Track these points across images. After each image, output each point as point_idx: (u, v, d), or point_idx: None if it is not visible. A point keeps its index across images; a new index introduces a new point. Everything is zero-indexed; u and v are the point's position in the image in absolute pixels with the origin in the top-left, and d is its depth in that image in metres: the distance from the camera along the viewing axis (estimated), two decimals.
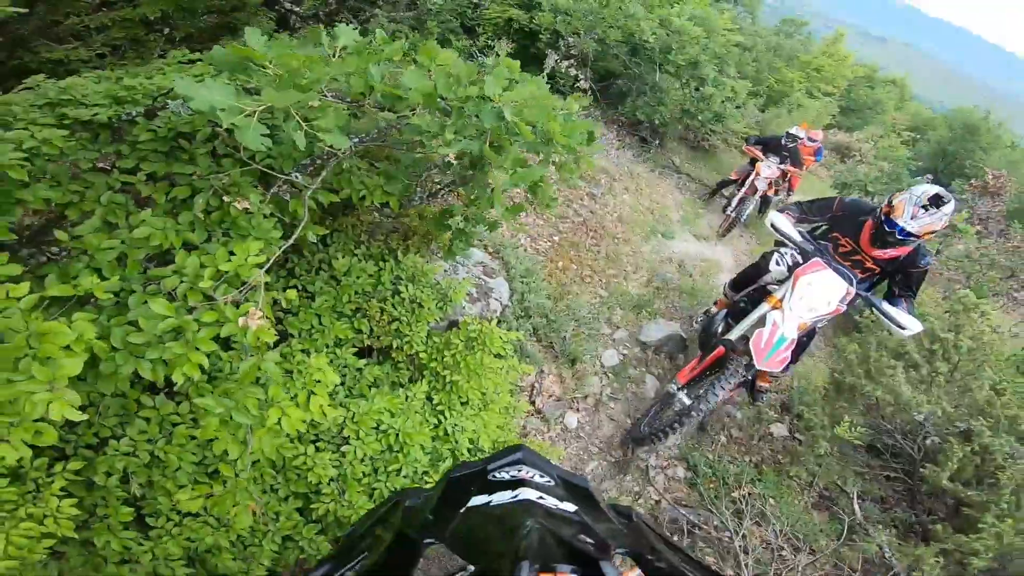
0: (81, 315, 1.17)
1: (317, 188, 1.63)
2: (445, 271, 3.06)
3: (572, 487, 0.60)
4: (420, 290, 2.36)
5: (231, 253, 1.42)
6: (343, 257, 2.26)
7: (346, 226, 2.39)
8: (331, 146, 1.32)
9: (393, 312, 2.30)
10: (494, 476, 0.58)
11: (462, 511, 0.51)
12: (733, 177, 6.35)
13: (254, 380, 1.37)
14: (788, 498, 3.16)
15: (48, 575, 1.49)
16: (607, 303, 4.21)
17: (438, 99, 1.56)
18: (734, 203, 5.91)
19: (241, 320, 1.29)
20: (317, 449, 1.99)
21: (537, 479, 0.58)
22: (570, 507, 0.53)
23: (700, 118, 6.91)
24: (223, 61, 1.30)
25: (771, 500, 3.12)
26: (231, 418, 1.33)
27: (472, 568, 0.51)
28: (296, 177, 1.61)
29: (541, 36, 6.63)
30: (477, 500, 0.52)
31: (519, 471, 0.58)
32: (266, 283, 1.40)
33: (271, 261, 1.46)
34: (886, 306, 2.55)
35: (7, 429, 1.03)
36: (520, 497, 0.53)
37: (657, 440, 2.90)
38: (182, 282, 1.35)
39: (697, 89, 6.78)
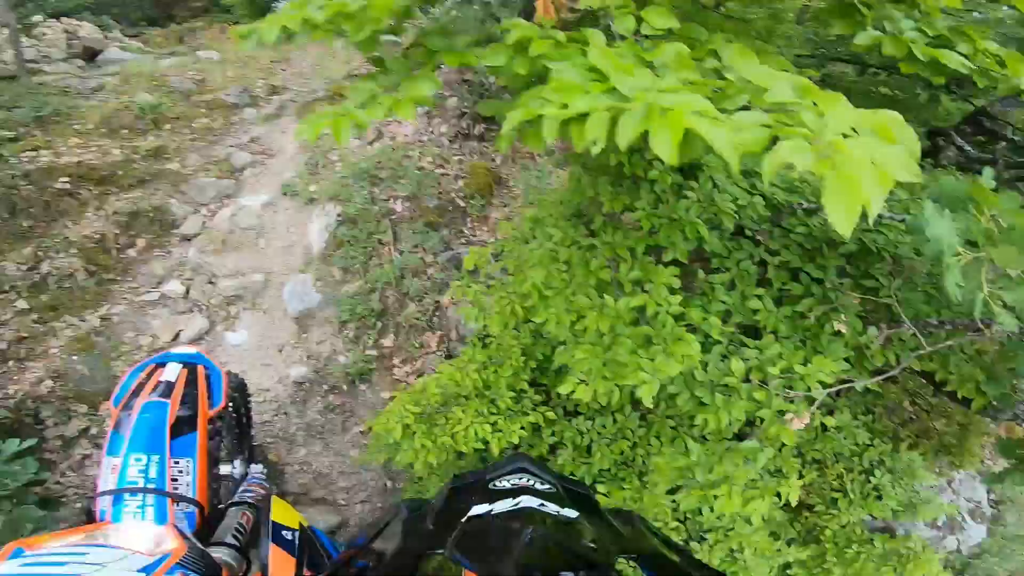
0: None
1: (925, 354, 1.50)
2: None
3: (573, 494, 0.59)
4: None
5: (806, 361, 1.51)
6: None
7: None
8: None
9: None
10: (495, 485, 0.58)
11: (464, 520, 0.51)
12: None
13: None
14: None
15: None
16: None
17: None
18: None
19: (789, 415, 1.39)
20: None
21: (538, 486, 0.58)
22: (572, 513, 0.53)
23: None
24: (949, 193, 1.28)
25: None
26: None
27: None
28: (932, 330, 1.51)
29: None
30: (478, 509, 0.52)
31: (520, 479, 0.58)
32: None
33: (835, 389, 1.47)
34: None
35: None
36: (521, 505, 0.53)
37: None
38: (757, 359, 1.54)
39: None
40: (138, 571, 0.76)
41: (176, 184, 3.65)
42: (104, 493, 1.28)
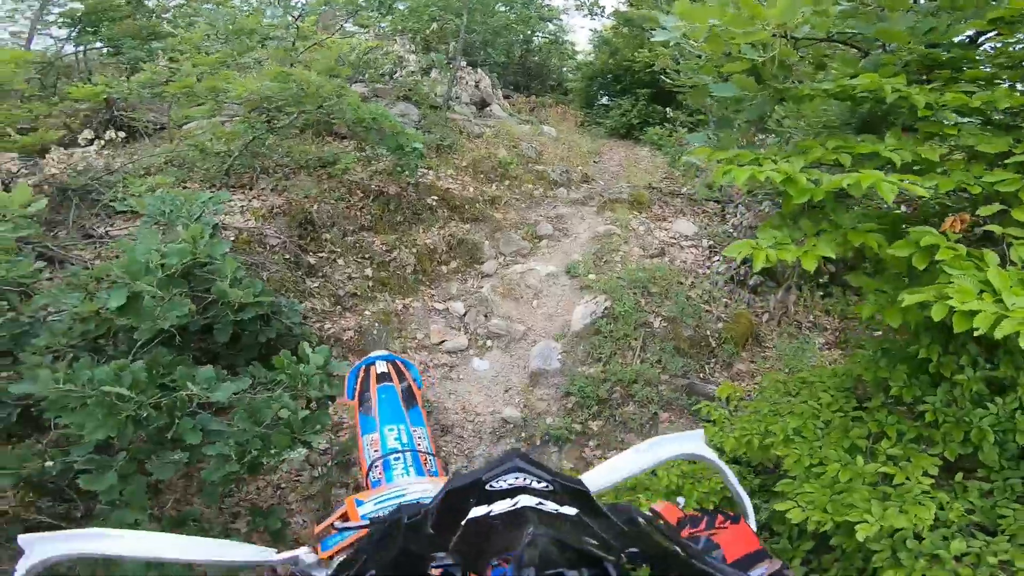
0: None
1: None
2: None
3: (570, 490, 0.59)
4: None
5: None
6: None
7: None
8: None
9: None
10: (492, 486, 0.57)
11: (463, 523, 0.50)
12: None
13: None
14: None
15: None
16: None
17: None
18: None
19: None
20: None
21: (535, 485, 0.58)
22: (571, 511, 0.54)
23: None
24: None
25: None
26: None
27: None
28: None
29: None
30: (477, 511, 0.51)
31: (516, 478, 0.58)
32: None
33: None
34: None
35: None
36: (520, 505, 0.53)
37: None
38: (980, 549, 1.45)
39: None
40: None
41: (494, 231, 4.59)
42: (374, 462, 1.48)
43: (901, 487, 1.57)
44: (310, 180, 4.26)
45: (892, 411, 1.78)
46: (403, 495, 1.01)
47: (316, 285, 3.80)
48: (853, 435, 1.72)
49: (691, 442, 0.97)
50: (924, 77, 1.70)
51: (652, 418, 3.22)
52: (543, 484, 0.58)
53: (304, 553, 0.81)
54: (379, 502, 1.00)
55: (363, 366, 1.89)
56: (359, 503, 1.00)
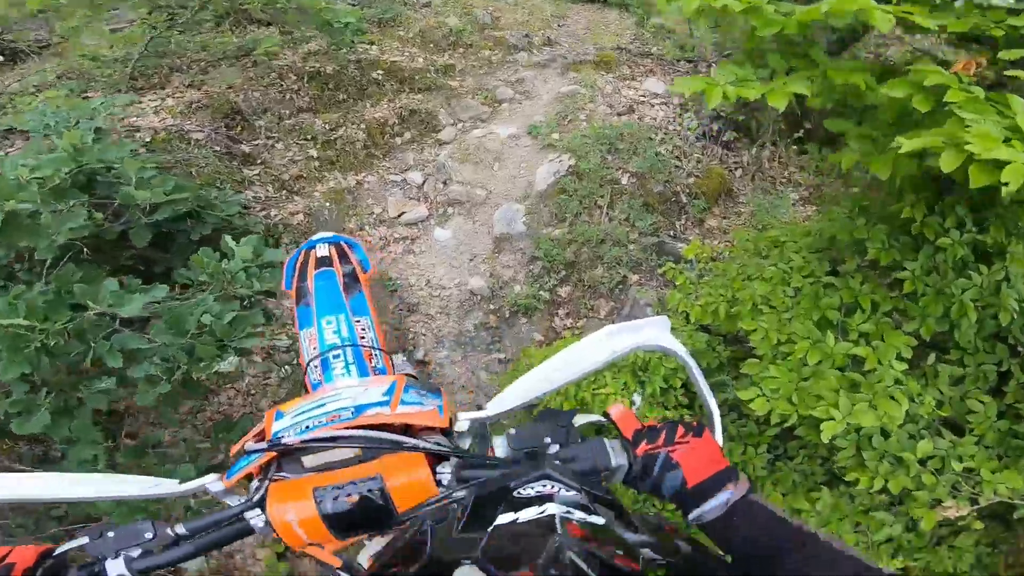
0: None
1: None
2: None
3: (599, 500, 0.59)
4: None
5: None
6: None
7: None
8: None
9: None
10: (519, 493, 0.58)
11: (490, 530, 0.50)
12: None
13: None
14: None
15: None
16: None
17: None
18: None
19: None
20: None
21: (564, 493, 0.58)
22: (599, 520, 0.54)
23: None
24: None
25: None
26: None
27: None
28: None
29: None
30: (504, 518, 0.51)
31: (544, 487, 0.58)
32: None
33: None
34: None
35: None
36: (547, 512, 0.53)
37: None
38: (945, 452, 1.45)
39: None
40: (383, 394, 0.84)
41: (449, 99, 4.20)
42: (312, 359, 1.33)
43: (872, 375, 1.46)
44: (232, 70, 3.92)
45: (867, 278, 1.64)
46: (323, 404, 0.84)
47: (256, 173, 3.52)
48: (824, 305, 1.60)
49: (654, 330, 0.88)
50: None
51: (622, 281, 3.12)
52: (571, 493, 0.58)
53: (211, 481, 0.77)
54: (299, 414, 0.83)
55: (303, 251, 1.66)
56: (279, 416, 0.85)
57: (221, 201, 2.55)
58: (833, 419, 1.38)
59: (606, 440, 0.77)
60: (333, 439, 0.73)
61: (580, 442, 0.77)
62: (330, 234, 1.76)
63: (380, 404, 0.81)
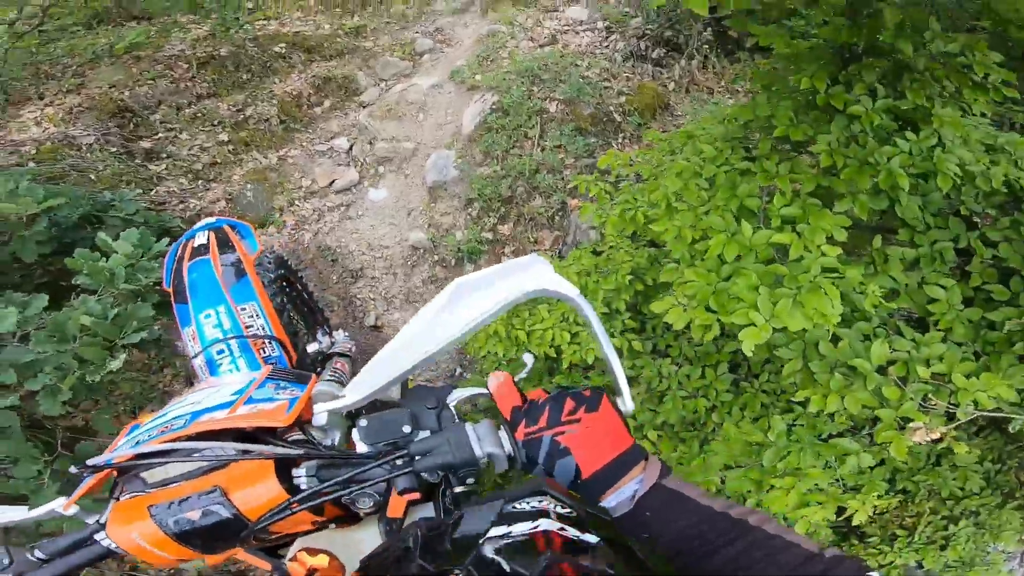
0: None
1: None
2: None
3: (595, 519, 0.56)
4: None
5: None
6: None
7: None
8: None
9: None
10: (514, 507, 0.56)
11: (481, 543, 0.49)
12: None
13: None
14: None
15: None
16: None
17: None
18: None
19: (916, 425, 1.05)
20: None
21: (559, 510, 0.55)
22: (592, 539, 0.51)
23: None
24: None
25: None
26: None
27: None
28: None
29: None
30: (496, 531, 0.50)
31: (539, 502, 0.56)
32: None
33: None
34: None
35: None
36: (540, 528, 0.51)
37: None
38: (908, 353, 1.21)
39: None
40: (231, 394, 0.77)
41: (366, 60, 4.00)
42: (193, 357, 1.24)
43: (797, 265, 1.21)
44: (111, 69, 3.68)
45: (785, 158, 1.44)
46: (165, 413, 0.76)
47: (163, 167, 3.31)
48: (742, 193, 1.39)
49: (534, 268, 0.70)
50: None
51: (561, 208, 3.01)
52: (567, 510, 0.56)
53: (59, 505, 0.72)
54: (153, 425, 0.74)
55: (183, 242, 1.51)
56: (134, 428, 0.76)
57: (119, 201, 2.46)
58: (755, 324, 1.12)
59: (471, 426, 0.66)
60: (165, 453, 0.67)
61: (453, 426, 0.67)
62: (213, 219, 1.62)
63: (221, 407, 0.74)
